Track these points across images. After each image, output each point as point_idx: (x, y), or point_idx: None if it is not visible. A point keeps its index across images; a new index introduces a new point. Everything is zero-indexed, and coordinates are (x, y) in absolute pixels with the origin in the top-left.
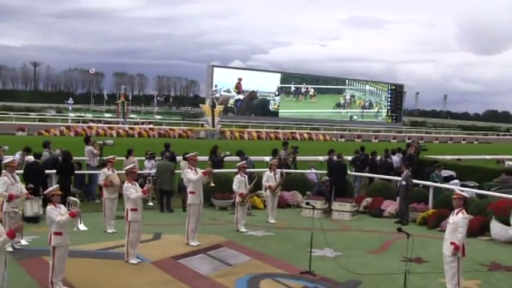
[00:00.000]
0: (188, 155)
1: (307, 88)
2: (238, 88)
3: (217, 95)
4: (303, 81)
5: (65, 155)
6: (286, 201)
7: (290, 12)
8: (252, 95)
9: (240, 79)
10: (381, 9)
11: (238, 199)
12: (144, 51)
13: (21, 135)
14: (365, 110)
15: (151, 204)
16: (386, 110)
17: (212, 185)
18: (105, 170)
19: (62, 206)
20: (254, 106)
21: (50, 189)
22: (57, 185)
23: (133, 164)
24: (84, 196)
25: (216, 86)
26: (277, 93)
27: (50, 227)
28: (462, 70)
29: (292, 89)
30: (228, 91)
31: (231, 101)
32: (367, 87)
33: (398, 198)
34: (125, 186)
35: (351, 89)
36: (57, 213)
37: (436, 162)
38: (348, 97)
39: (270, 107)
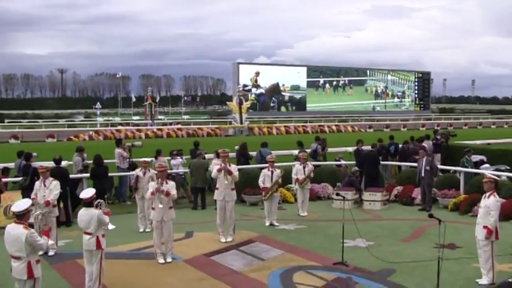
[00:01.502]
0: (219, 151)
1: (345, 81)
2: (254, 83)
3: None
4: (321, 74)
5: (96, 159)
6: (317, 194)
7: (313, 5)
8: (275, 88)
9: (257, 73)
10: None
11: (263, 194)
12: (169, 53)
13: (51, 142)
14: (388, 100)
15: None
16: (410, 99)
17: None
18: (137, 170)
19: None
20: (291, 101)
21: (90, 193)
22: (94, 189)
23: (157, 163)
24: (115, 198)
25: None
26: (305, 87)
27: (97, 231)
28: (489, 54)
29: (321, 82)
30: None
31: (251, 97)
32: (389, 77)
33: (421, 186)
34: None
35: (372, 79)
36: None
37: (465, 148)
38: (381, 88)
39: (302, 101)
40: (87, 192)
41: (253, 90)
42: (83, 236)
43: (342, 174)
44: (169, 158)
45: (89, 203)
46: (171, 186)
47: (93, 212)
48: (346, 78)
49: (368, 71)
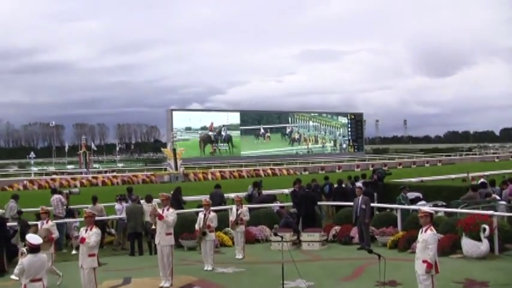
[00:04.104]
0: (159, 195)
1: (291, 128)
2: (210, 128)
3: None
4: (252, 119)
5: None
6: (255, 237)
7: (244, 51)
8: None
9: (212, 123)
10: (333, 41)
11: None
12: (103, 101)
13: None
14: (311, 145)
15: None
16: (334, 143)
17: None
18: (39, 222)
19: None
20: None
21: (40, 239)
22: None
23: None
24: None
25: (173, 130)
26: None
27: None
28: (419, 94)
29: (261, 130)
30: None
31: (213, 137)
32: (311, 123)
33: (357, 224)
34: None
35: (295, 126)
36: None
37: (401, 186)
38: (297, 133)
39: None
40: (36, 238)
41: (210, 133)
42: (27, 285)
43: (280, 216)
44: (106, 204)
45: (37, 249)
46: (92, 233)
47: (44, 257)
48: (265, 126)
49: (289, 118)
